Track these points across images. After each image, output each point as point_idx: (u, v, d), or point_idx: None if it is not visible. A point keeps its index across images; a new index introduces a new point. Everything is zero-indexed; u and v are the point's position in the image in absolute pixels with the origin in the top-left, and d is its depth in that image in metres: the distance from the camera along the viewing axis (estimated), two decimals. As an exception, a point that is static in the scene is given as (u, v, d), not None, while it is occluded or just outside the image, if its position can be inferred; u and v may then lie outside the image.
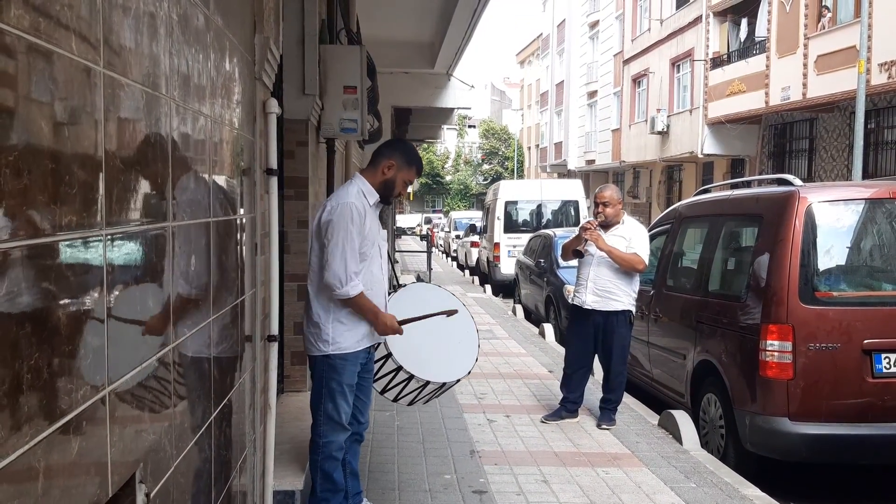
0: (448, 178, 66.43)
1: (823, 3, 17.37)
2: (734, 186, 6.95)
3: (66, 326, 1.31)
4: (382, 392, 4.16)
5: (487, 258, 18.24)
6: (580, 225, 6.05)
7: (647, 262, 5.79)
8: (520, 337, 10.38)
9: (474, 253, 21.53)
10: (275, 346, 3.39)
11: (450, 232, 31.68)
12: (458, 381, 4.16)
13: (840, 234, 5.27)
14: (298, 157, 5.40)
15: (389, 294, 3.95)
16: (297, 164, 5.39)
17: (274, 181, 3.35)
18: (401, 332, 3.72)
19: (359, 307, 3.61)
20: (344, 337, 3.65)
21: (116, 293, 1.54)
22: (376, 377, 4.01)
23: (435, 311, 3.89)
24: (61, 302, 1.30)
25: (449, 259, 29.45)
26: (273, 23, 3.43)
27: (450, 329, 4.04)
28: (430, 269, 18.80)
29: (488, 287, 16.93)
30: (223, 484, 2.56)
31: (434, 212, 58.36)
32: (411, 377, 3.92)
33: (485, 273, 18.67)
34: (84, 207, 1.38)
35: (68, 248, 1.33)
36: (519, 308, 13.16)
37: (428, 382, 3.98)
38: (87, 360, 1.39)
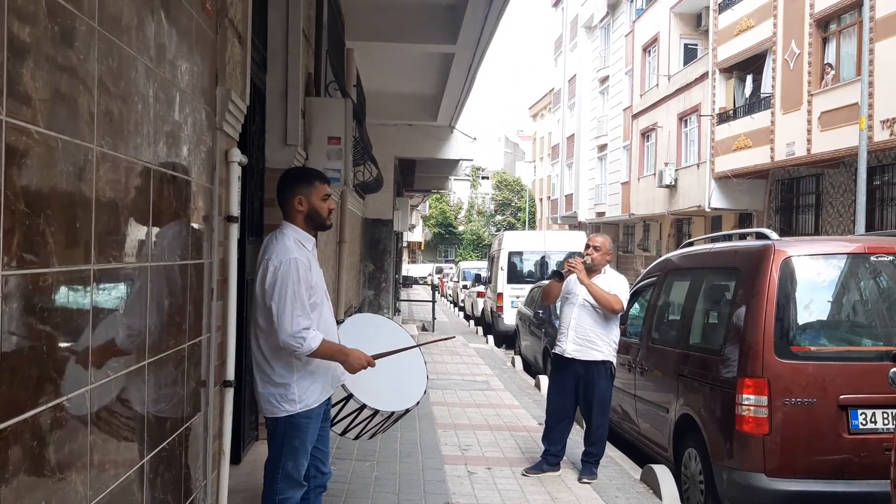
0: (461, 228, 66.74)
1: (826, 61, 17.55)
2: (716, 240, 6.96)
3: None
4: (343, 433, 4.15)
5: (491, 308, 18.23)
6: (565, 258, 6.10)
7: (625, 306, 5.79)
8: (515, 389, 10.31)
9: (480, 303, 21.52)
10: (230, 392, 3.40)
11: (458, 282, 31.72)
12: (418, 403, 4.16)
13: (818, 289, 5.26)
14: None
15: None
16: (278, 211, 5.45)
17: (234, 228, 3.41)
18: (373, 365, 3.69)
19: (325, 354, 3.58)
20: (309, 392, 3.61)
21: (11, 332, 1.58)
22: (335, 420, 4.00)
23: (390, 343, 3.95)
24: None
25: (456, 309, 29.41)
26: (239, 75, 3.53)
27: (398, 356, 4.05)
28: (434, 318, 18.78)
29: (491, 338, 16.88)
30: (158, 528, 2.56)
31: (446, 261, 58.46)
32: (375, 412, 3.92)
33: (489, 323, 18.64)
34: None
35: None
36: (518, 359, 13.10)
37: (392, 413, 3.99)
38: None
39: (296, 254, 3.56)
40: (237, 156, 3.38)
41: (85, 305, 1.93)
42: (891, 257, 5.17)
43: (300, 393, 3.60)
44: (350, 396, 3.90)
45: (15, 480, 1.59)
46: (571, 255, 17.26)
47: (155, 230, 2.45)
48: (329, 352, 3.57)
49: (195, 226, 2.95)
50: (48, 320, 1.74)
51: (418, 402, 4.14)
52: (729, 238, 6.82)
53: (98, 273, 2.00)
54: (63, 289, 1.81)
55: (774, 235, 5.45)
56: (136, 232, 2.30)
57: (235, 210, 3.39)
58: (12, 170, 1.55)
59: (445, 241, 65.96)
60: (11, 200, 1.55)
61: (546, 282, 13.17)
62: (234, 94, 3.31)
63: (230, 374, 3.40)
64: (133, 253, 2.26)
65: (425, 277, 45.19)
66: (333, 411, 3.97)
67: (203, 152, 3.05)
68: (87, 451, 1.97)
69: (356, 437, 4.22)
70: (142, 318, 2.35)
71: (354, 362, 3.63)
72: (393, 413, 4.00)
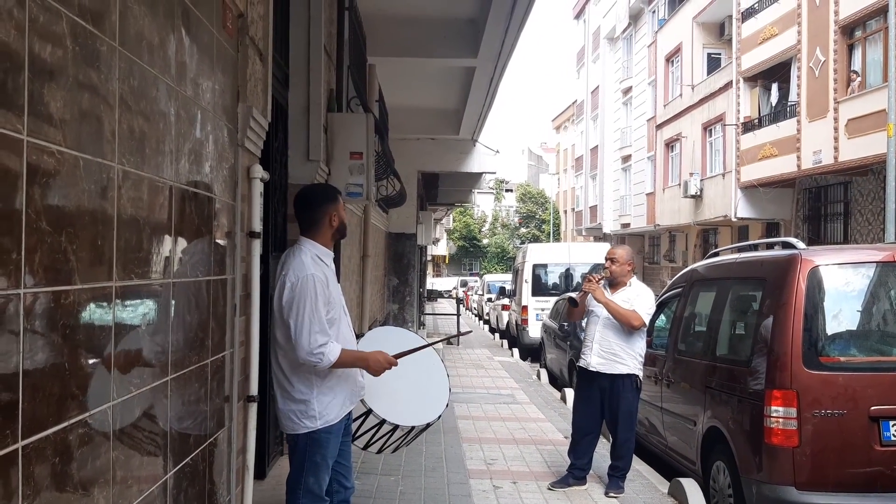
0: (485, 241, 66.70)
1: (852, 68, 17.36)
2: (742, 250, 6.88)
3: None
4: (365, 447, 4.14)
5: (516, 321, 18.16)
6: (584, 276, 6.06)
7: (646, 321, 5.73)
8: (541, 402, 10.25)
9: (505, 316, 21.45)
10: (254, 407, 3.41)
11: (483, 295, 31.66)
12: (440, 417, 4.13)
13: (847, 298, 5.17)
14: (302, 221, 5.51)
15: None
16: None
17: (257, 244, 3.43)
18: (396, 364, 3.69)
19: (345, 363, 3.58)
20: (330, 408, 3.62)
21: (35, 348, 1.60)
22: (357, 435, 4.00)
23: (415, 345, 3.92)
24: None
25: (481, 322, 29.35)
26: (260, 92, 3.57)
27: (419, 369, 4.03)
28: (459, 332, 18.75)
29: (516, 351, 16.81)
30: (182, 544, 2.57)
31: (471, 275, 58.42)
32: (396, 427, 3.91)
33: (514, 336, 18.57)
34: (2, 265, 1.45)
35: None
36: (544, 372, 13.02)
37: (412, 427, 3.97)
38: (-8, 414, 1.44)
39: (313, 269, 3.57)
40: (259, 172, 3.41)
41: (108, 322, 1.95)
42: (921, 265, 5.07)
43: (320, 409, 3.60)
44: (370, 411, 3.90)
45: (38, 498, 1.61)
46: (596, 268, 17.25)
47: (178, 247, 2.47)
48: (349, 360, 3.57)
49: (218, 242, 2.97)
50: (71, 337, 1.76)
51: (440, 417, 4.12)
52: (755, 248, 6.74)
53: (121, 290, 2.02)
54: (86, 306, 1.83)
55: (801, 244, 5.38)
56: (159, 249, 2.32)
57: (258, 226, 3.41)
58: (34, 189, 1.57)
59: (470, 254, 65.95)
60: (33, 219, 1.57)
61: (571, 294, 13.12)
62: (255, 111, 3.34)
63: (254, 389, 3.41)
64: (156, 269, 2.28)
65: (450, 291, 45.18)
66: (354, 426, 3.97)
67: (225, 169, 3.08)
68: (110, 467, 1.98)
69: (379, 451, 4.22)
70: (165, 334, 2.37)
71: (375, 365, 3.62)
72: (414, 427, 3.99)
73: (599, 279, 5.77)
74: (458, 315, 19.29)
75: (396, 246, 15.12)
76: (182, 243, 2.53)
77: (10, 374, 1.50)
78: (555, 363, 12.80)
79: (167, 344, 2.39)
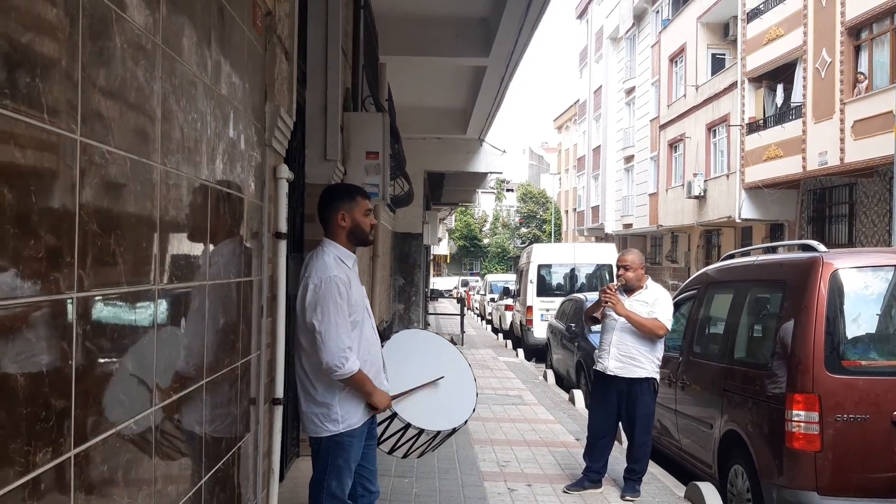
0: (486, 240, 66.67)
1: (859, 70, 17.33)
2: (757, 252, 6.84)
3: (25, 387, 1.32)
4: (390, 452, 4.10)
5: (520, 322, 18.13)
6: (600, 289, 6.00)
7: (669, 327, 5.69)
8: (549, 403, 10.21)
9: (508, 316, 21.41)
10: (280, 410, 3.37)
11: (485, 295, 31.63)
12: (466, 422, 4.09)
13: (867, 301, 5.13)
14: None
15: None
16: (317, 227, 5.42)
17: (283, 244, 3.39)
18: (391, 407, 3.68)
19: (356, 385, 3.54)
20: (353, 412, 3.58)
21: (87, 354, 1.56)
22: (382, 439, 3.96)
23: (423, 379, 3.88)
24: (18, 360, 1.31)
25: (484, 322, 29.31)
26: (286, 91, 3.53)
27: (446, 372, 3.99)
28: (463, 332, 18.71)
29: (521, 351, 16.77)
30: (214, 550, 2.53)
31: (471, 274, 58.39)
32: (421, 432, 3.86)
33: (518, 337, 18.53)
34: (57, 268, 1.41)
35: (34, 311, 1.35)
36: (550, 373, 12.98)
37: (438, 432, 3.92)
38: (48, 423, 1.40)
39: (335, 271, 3.53)
40: (285, 172, 3.37)
41: (150, 325, 1.91)
42: (943, 269, 5.03)
43: (343, 413, 3.56)
44: (395, 415, 3.85)
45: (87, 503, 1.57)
46: (600, 269, 17.22)
47: (212, 248, 2.44)
48: (360, 385, 3.51)
49: (247, 243, 2.94)
50: (118, 342, 1.72)
51: (466, 422, 4.08)
52: (774, 250, 6.70)
53: (162, 292, 1.98)
54: (131, 310, 1.79)
55: (822, 247, 5.34)
56: (196, 250, 2.28)
57: (283, 226, 3.37)
58: (86, 190, 1.53)
59: (470, 253, 65.91)
60: (85, 221, 1.53)
61: (578, 295, 13.07)
62: (282, 111, 3.30)
63: (279, 391, 3.37)
64: (194, 272, 2.25)
65: (451, 290, 45.14)
66: (379, 430, 3.92)
67: (254, 169, 3.04)
68: (151, 473, 1.94)
69: (404, 456, 4.17)
70: (200, 337, 2.33)
71: (377, 405, 3.60)
72: (440, 432, 3.94)
73: (616, 288, 5.72)
74: (462, 315, 19.24)
75: (402, 246, 15.08)
76: (216, 245, 2.49)
77: (64, 379, 1.46)
78: (561, 364, 12.75)
79: (203, 347, 2.35)
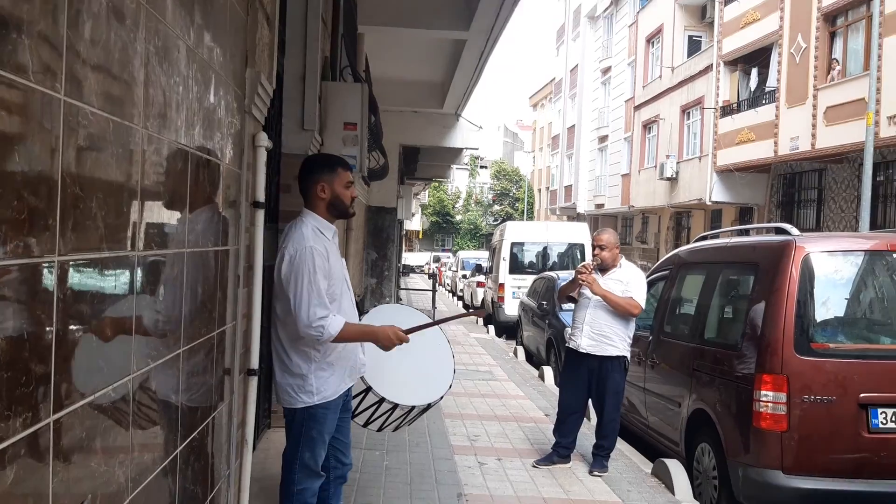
0: (458, 217, 66.68)
1: (833, 56, 17.49)
2: (729, 234, 6.91)
3: (6, 351, 1.29)
4: (365, 425, 4.10)
5: (492, 298, 18.19)
6: (576, 268, 6.02)
7: (643, 306, 5.75)
8: (519, 379, 10.28)
9: (480, 293, 21.47)
10: (254, 381, 3.35)
11: (457, 271, 31.67)
12: (442, 397, 4.08)
13: (838, 286, 5.22)
14: (295, 191, 5.39)
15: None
16: (293, 197, 5.38)
17: (260, 214, 3.35)
18: (407, 341, 3.61)
19: (351, 336, 3.49)
20: (328, 384, 3.56)
21: (67, 320, 1.52)
22: (356, 412, 3.95)
23: (406, 350, 3.83)
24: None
25: (455, 298, 29.37)
26: (266, 57, 3.46)
27: (423, 347, 3.95)
28: (434, 307, 18.73)
29: (492, 328, 16.85)
30: (188, 519, 2.51)
31: (443, 251, 58.42)
32: (395, 406, 3.86)
33: (490, 313, 18.60)
34: (38, 231, 1.37)
35: (15, 274, 1.32)
36: (520, 350, 13.07)
37: (413, 407, 3.92)
38: (27, 389, 1.37)
39: (312, 242, 3.50)
40: (264, 140, 3.33)
41: (130, 292, 1.88)
42: (913, 255, 5.12)
43: (318, 384, 3.55)
44: (370, 388, 3.84)
45: (64, 471, 1.54)
46: (572, 249, 17.30)
47: (191, 215, 2.40)
48: (355, 334, 3.47)
49: (225, 212, 2.89)
50: (98, 308, 1.68)
51: (442, 397, 4.08)
52: (747, 233, 6.76)
53: (142, 259, 1.94)
54: (112, 275, 1.75)
55: (795, 231, 5.40)
56: (176, 217, 2.24)
57: (261, 195, 3.33)
58: (69, 151, 1.49)
59: (442, 229, 65.91)
60: (67, 183, 1.49)
61: (550, 273, 13.12)
62: (263, 77, 3.25)
63: (254, 362, 3.35)
64: (173, 238, 2.21)
65: (422, 266, 45.14)
66: (354, 403, 3.92)
67: (233, 136, 2.99)
68: (128, 441, 1.92)
69: (379, 429, 4.18)
70: (178, 305, 2.30)
71: (385, 340, 3.51)
72: (414, 407, 3.94)
73: (592, 268, 5.75)
74: (434, 291, 19.25)
75: (376, 220, 15.01)
76: (195, 212, 2.45)
77: (44, 344, 1.43)
78: (532, 341, 12.84)
79: (181, 315, 2.32)
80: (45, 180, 1.40)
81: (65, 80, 1.46)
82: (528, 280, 15.16)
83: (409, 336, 3.56)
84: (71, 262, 1.51)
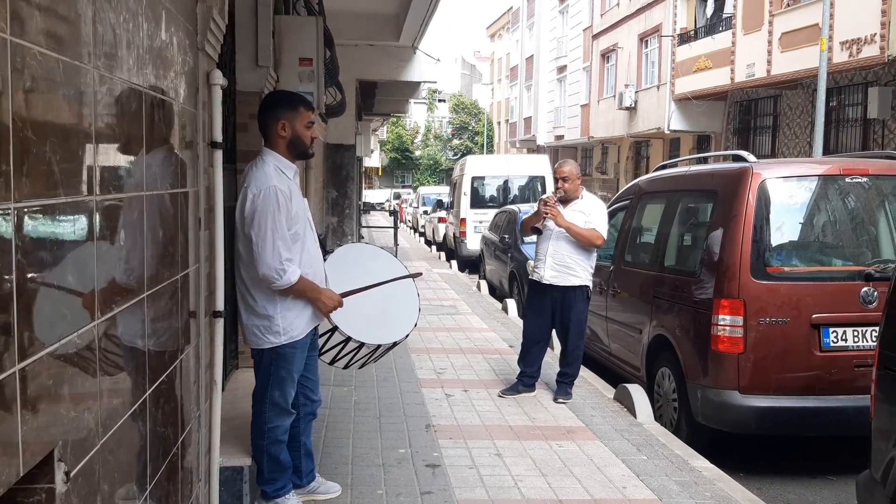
0: (417, 153, 66.21)
1: (789, -19, 17.47)
2: (687, 163, 6.99)
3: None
4: (331, 363, 4.14)
5: (454, 234, 18.25)
6: (539, 199, 6.06)
7: (605, 237, 5.82)
8: (483, 312, 10.41)
9: (441, 228, 21.52)
10: (220, 322, 3.34)
11: (418, 207, 31.61)
12: (407, 335, 4.15)
13: (793, 210, 5.33)
14: (252, 131, 5.30)
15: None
16: (251, 137, 5.29)
17: (219, 154, 3.29)
18: (342, 305, 3.68)
19: (300, 291, 3.54)
20: (294, 325, 3.59)
21: (27, 268, 1.50)
22: (323, 351, 3.99)
23: (375, 279, 3.89)
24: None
25: (417, 235, 29.40)
26: (218, -8, 3.35)
27: (390, 287, 4.01)
28: (396, 244, 18.74)
29: (454, 263, 16.95)
30: (161, 460, 2.53)
31: (403, 187, 58.14)
32: (361, 345, 3.90)
33: (452, 249, 18.68)
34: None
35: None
36: (483, 284, 13.20)
37: (378, 346, 3.96)
38: (-9, 337, 1.35)
39: (275, 182, 3.48)
40: (219, 78, 3.25)
41: (90, 237, 1.85)
42: (864, 178, 5.25)
43: (285, 325, 3.57)
44: (335, 328, 3.87)
45: (33, 419, 1.54)
46: (532, 181, 17.30)
47: (147, 158, 2.35)
48: (304, 290, 3.53)
49: (182, 153, 2.84)
50: (58, 253, 1.66)
51: (407, 335, 4.12)
52: (705, 161, 6.84)
53: (100, 204, 1.91)
54: (70, 221, 1.72)
55: (752, 158, 5.48)
56: (132, 160, 2.20)
57: (219, 135, 3.27)
58: (19, 94, 1.44)
59: (402, 166, 65.47)
60: (20, 127, 1.44)
61: (511, 207, 13.15)
62: (214, 12, 3.15)
63: (219, 304, 3.33)
64: (131, 182, 2.17)
65: (383, 203, 44.93)
66: (321, 342, 3.94)
67: (186, 74, 2.91)
68: (96, 387, 1.92)
69: (345, 367, 4.22)
70: (140, 249, 2.27)
71: (326, 301, 3.60)
72: (380, 346, 3.98)
73: (555, 201, 5.79)
74: (396, 228, 19.23)
75: (335, 157, 14.83)
76: (152, 154, 2.40)
77: (5, 293, 1.41)
78: (494, 274, 12.96)
79: (143, 260, 2.30)
80: (-5, 125, 1.36)
81: (10, 19, 1.40)
82: (489, 214, 15.21)
83: (347, 299, 3.70)
84: (27, 209, 1.48)
